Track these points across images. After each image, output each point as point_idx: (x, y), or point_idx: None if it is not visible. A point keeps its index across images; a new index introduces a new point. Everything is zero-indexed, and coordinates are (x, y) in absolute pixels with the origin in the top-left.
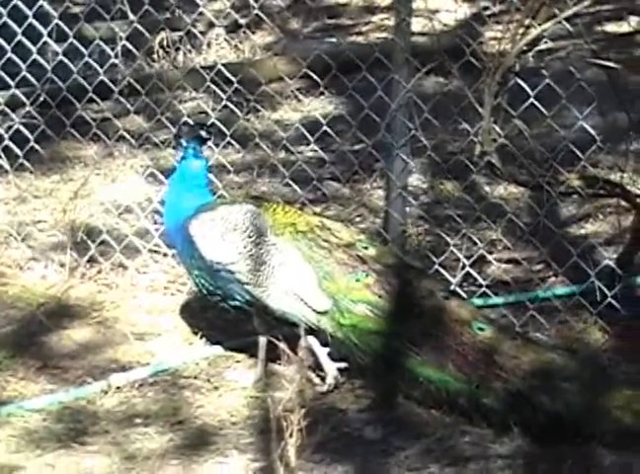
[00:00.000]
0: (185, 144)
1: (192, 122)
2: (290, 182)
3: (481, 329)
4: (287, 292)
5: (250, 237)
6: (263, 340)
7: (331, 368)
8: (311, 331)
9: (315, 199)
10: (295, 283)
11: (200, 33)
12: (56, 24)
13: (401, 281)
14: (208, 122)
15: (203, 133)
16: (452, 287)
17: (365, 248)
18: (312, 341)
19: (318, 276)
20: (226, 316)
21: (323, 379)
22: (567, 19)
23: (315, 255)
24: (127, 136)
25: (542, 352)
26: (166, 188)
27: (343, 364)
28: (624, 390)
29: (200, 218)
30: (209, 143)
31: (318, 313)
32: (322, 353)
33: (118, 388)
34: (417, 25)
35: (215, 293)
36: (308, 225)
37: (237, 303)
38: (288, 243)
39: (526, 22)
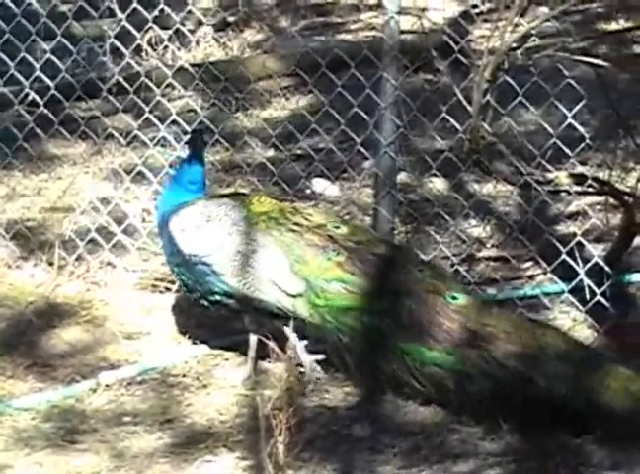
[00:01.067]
0: (185, 149)
1: (195, 128)
2: (279, 180)
3: (454, 298)
4: (261, 279)
5: (224, 228)
6: (253, 338)
7: (308, 360)
8: (288, 317)
9: (304, 197)
10: (268, 269)
11: (189, 31)
12: (44, 22)
13: (373, 256)
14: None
15: (205, 138)
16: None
17: (337, 227)
18: (289, 333)
19: (290, 260)
20: (215, 314)
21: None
22: (556, 16)
23: (286, 239)
24: (116, 134)
25: (518, 321)
26: (161, 191)
27: (320, 356)
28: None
29: (180, 214)
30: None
31: (292, 297)
32: (300, 345)
33: (106, 387)
34: (405, 23)
35: (195, 289)
36: (281, 212)
37: (217, 297)
38: (261, 231)
39: (515, 19)
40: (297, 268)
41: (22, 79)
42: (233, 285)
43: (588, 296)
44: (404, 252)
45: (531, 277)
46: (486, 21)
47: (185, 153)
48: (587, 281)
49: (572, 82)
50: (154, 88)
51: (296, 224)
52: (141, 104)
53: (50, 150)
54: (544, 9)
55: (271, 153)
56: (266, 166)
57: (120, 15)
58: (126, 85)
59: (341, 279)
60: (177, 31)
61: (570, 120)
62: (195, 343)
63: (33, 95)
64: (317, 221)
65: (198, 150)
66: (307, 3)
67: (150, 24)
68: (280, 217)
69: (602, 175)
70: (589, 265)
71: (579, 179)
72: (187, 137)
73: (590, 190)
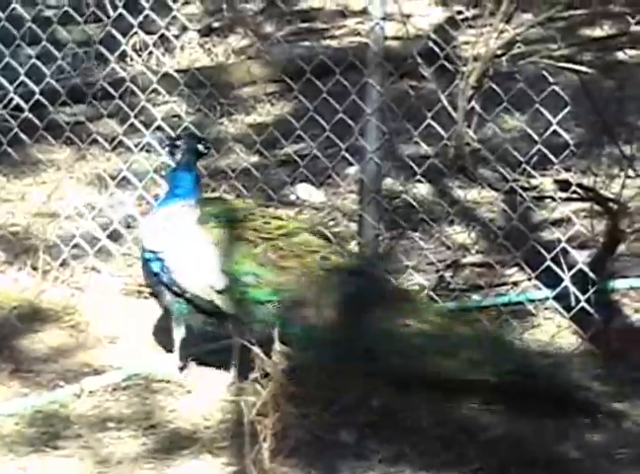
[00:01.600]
0: (179, 156)
1: (190, 134)
2: (264, 185)
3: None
4: (197, 276)
5: (176, 226)
6: (237, 344)
7: (174, 360)
8: (218, 314)
9: (289, 203)
10: (201, 266)
11: (174, 36)
12: (29, 27)
13: (288, 247)
14: (205, 137)
15: (200, 147)
16: (426, 292)
17: (267, 223)
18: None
19: (220, 257)
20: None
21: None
22: (541, 23)
23: (220, 236)
24: (100, 140)
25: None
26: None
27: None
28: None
29: (151, 217)
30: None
31: (219, 293)
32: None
33: (90, 392)
34: (390, 29)
35: (158, 291)
36: (229, 211)
37: (175, 299)
38: (204, 229)
39: (500, 26)
40: (225, 264)
41: (6, 84)
42: (178, 282)
43: (572, 303)
44: (324, 237)
45: (516, 284)
46: (471, 27)
47: (175, 159)
48: (571, 288)
49: (557, 89)
50: (139, 93)
51: (233, 220)
52: (126, 109)
53: (35, 155)
54: (529, 15)
55: (255, 159)
56: (250, 172)
57: (105, 20)
58: (111, 90)
59: (253, 272)
60: (162, 36)
61: (555, 127)
62: (179, 348)
63: (17, 100)
64: (254, 217)
65: (188, 156)
66: (292, 9)
67: (135, 29)
68: (225, 216)
69: (587, 181)
70: (573, 271)
71: (563, 185)
72: (180, 142)
73: (574, 196)
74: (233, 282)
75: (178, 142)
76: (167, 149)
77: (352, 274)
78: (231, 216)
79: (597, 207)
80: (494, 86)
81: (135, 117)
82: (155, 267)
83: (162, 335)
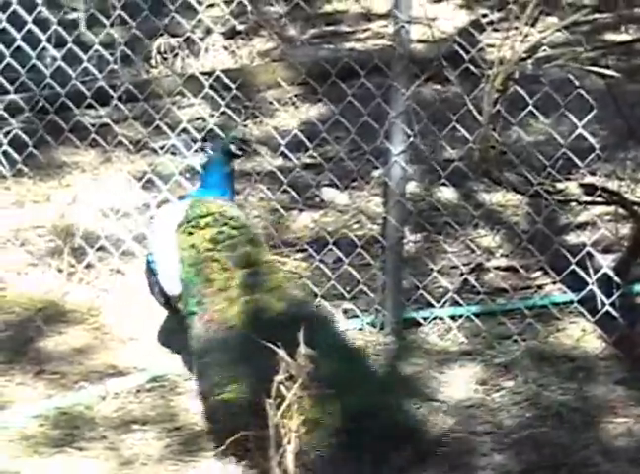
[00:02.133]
0: (212, 155)
1: (224, 135)
2: (288, 188)
3: None
4: (168, 281)
5: (162, 229)
6: None
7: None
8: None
9: (313, 206)
10: (169, 270)
11: (199, 39)
12: (55, 29)
13: (225, 260)
14: (243, 136)
15: (233, 148)
16: (450, 295)
17: (221, 232)
18: None
19: (180, 263)
20: None
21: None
22: (566, 27)
23: (183, 242)
24: (126, 142)
25: None
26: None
27: None
28: None
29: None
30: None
31: (176, 300)
32: None
33: (115, 394)
34: (415, 32)
35: (155, 293)
36: (203, 217)
37: (163, 300)
38: (176, 234)
39: (525, 29)
40: (180, 269)
41: (32, 86)
42: (164, 286)
43: (597, 306)
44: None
45: (540, 287)
46: (496, 30)
47: (207, 160)
48: (596, 292)
49: (582, 92)
50: (164, 96)
51: (196, 227)
52: (151, 111)
53: (60, 157)
54: (554, 19)
55: (280, 162)
56: (275, 174)
57: (130, 22)
58: (136, 93)
59: (192, 281)
60: (187, 39)
61: (580, 131)
62: None
63: (43, 102)
64: (214, 224)
65: (220, 156)
66: (316, 12)
67: (161, 31)
68: (194, 221)
69: (612, 185)
70: (598, 275)
71: (588, 189)
72: (215, 143)
73: (599, 200)
74: (183, 290)
75: (209, 143)
76: (197, 150)
77: (269, 292)
78: (196, 222)
79: (621, 211)
80: (519, 89)
81: (160, 119)
82: (154, 270)
83: (187, 336)
